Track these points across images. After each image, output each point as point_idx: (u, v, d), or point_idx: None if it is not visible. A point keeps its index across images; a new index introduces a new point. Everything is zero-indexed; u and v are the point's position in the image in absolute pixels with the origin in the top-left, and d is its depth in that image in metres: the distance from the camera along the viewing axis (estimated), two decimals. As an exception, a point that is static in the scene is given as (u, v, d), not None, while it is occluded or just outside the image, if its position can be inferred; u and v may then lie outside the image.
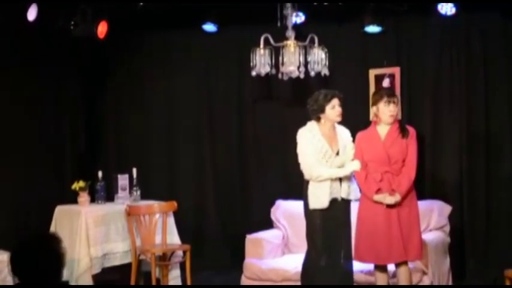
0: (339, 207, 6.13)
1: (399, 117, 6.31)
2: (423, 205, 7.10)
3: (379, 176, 6.11)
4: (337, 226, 6.12)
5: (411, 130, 6.19)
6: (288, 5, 7.42)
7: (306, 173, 6.10)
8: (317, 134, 6.11)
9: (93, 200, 7.62)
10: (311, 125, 6.16)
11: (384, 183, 6.11)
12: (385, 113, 6.16)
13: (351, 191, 6.15)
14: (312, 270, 6.17)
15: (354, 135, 6.34)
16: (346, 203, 6.17)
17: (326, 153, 6.07)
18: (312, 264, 6.17)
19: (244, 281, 7.09)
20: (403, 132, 6.14)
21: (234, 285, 7.29)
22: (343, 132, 6.26)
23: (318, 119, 6.14)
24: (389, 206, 6.07)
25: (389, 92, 6.35)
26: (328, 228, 6.10)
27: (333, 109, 6.10)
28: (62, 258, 3.53)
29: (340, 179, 6.09)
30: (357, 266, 6.44)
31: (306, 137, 6.10)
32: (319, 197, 6.04)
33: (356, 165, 6.05)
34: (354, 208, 6.27)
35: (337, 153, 6.11)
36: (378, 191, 6.09)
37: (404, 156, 6.10)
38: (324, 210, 6.07)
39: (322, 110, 6.10)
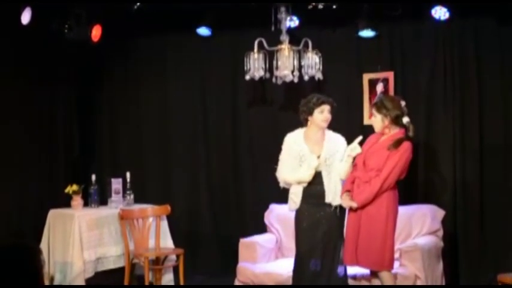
0: (325, 212, 6.17)
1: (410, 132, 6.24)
2: (416, 209, 7.14)
3: (352, 178, 6.18)
4: (323, 232, 6.16)
5: (404, 145, 6.09)
6: (282, 9, 7.42)
7: (278, 178, 6.35)
8: (300, 138, 6.27)
9: (86, 203, 7.62)
10: (298, 130, 6.34)
11: (354, 185, 6.18)
12: None
13: (335, 197, 6.17)
14: (298, 276, 6.23)
15: (347, 140, 6.36)
16: (332, 208, 6.19)
17: (302, 157, 6.18)
18: (298, 269, 6.23)
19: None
20: (390, 145, 6.11)
21: (230, 285, 7.28)
22: (334, 140, 6.28)
23: (306, 121, 6.28)
24: (354, 210, 6.13)
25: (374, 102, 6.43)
26: (313, 234, 6.15)
27: (321, 113, 6.22)
28: (34, 272, 3.25)
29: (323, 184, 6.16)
30: (350, 270, 6.48)
31: (287, 144, 6.32)
32: (295, 201, 6.23)
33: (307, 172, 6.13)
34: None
35: (318, 157, 6.19)
36: (348, 191, 6.18)
37: (380, 167, 6.06)
38: (309, 214, 6.16)
39: (311, 113, 6.23)
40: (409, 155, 6.13)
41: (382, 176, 6.02)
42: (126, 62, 8.85)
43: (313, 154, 6.17)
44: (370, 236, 6.05)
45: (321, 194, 6.17)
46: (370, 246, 6.05)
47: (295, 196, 6.24)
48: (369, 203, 6.04)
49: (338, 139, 6.32)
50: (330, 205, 6.17)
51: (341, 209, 6.20)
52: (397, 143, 6.07)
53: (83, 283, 7.07)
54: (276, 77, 7.50)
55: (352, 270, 6.44)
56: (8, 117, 7.97)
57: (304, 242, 6.22)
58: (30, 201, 8.11)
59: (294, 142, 6.28)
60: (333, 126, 6.46)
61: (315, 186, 6.20)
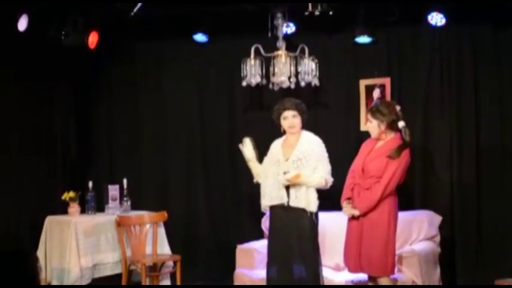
0: (290, 216, 6.14)
1: (406, 136, 6.23)
2: (413, 215, 7.14)
3: (352, 185, 6.19)
4: (295, 236, 6.12)
5: (403, 154, 6.12)
6: (279, 15, 7.43)
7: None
8: (279, 143, 6.33)
9: (83, 210, 7.62)
10: (284, 136, 6.37)
11: (353, 192, 6.20)
12: None
13: (299, 200, 6.10)
14: (279, 283, 6.19)
15: (344, 146, 6.37)
16: (298, 212, 6.12)
17: (277, 160, 6.23)
18: (278, 276, 6.22)
19: (235, 291, 7.09)
20: (392, 154, 6.10)
21: (228, 285, 7.27)
22: (309, 141, 6.23)
23: (283, 130, 6.34)
24: (354, 216, 6.14)
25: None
26: (283, 236, 6.16)
27: (285, 120, 6.27)
28: (31, 277, 3.26)
29: (288, 187, 6.12)
30: (348, 276, 6.47)
31: (270, 149, 6.38)
32: (263, 196, 6.27)
33: (289, 176, 6.04)
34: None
35: (287, 160, 6.20)
36: (349, 199, 6.20)
37: (380, 174, 6.09)
38: (278, 217, 6.18)
39: (279, 121, 6.31)
40: (407, 160, 6.17)
41: (383, 183, 6.04)
42: (123, 68, 8.84)
43: (283, 158, 6.20)
44: (373, 242, 6.07)
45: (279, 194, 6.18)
46: (373, 252, 6.06)
47: (264, 194, 6.26)
48: (371, 210, 6.06)
49: (312, 141, 6.25)
50: (302, 210, 6.11)
51: (314, 214, 6.15)
52: (398, 152, 6.09)
53: (80, 290, 7.08)
54: (273, 83, 7.50)
55: (349, 275, 6.44)
56: (5, 124, 7.97)
57: (274, 244, 6.23)
58: (28, 207, 8.09)
59: (274, 147, 6.36)
60: (329, 132, 6.47)
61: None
